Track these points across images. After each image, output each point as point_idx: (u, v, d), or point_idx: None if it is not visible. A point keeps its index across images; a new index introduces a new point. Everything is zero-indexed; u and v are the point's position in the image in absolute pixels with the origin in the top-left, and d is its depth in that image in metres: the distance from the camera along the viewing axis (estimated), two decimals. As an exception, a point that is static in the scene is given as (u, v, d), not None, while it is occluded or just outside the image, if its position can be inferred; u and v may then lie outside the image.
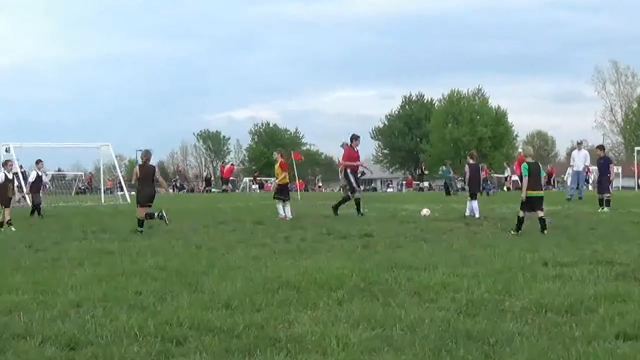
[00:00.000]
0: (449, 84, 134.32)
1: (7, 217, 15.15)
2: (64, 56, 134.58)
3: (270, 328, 5.33)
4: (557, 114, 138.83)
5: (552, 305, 5.91)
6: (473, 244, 10.56)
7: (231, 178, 49.84)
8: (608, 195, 18.90)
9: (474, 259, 8.84)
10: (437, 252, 9.72)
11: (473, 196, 16.81)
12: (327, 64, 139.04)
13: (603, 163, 19.80)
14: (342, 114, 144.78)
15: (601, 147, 21.41)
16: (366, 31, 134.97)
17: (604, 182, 19.31)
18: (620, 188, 50.49)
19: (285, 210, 16.94)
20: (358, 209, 17.55)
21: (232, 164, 62.55)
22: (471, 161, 17.50)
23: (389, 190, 66.70)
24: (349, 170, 17.84)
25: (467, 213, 16.60)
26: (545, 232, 11.85)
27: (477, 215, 16.23)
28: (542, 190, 12.47)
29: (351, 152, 18.17)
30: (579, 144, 26.82)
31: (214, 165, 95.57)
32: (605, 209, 18.31)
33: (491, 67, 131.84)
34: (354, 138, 18.37)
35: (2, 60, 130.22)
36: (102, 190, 33.00)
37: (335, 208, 17.89)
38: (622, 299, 6.14)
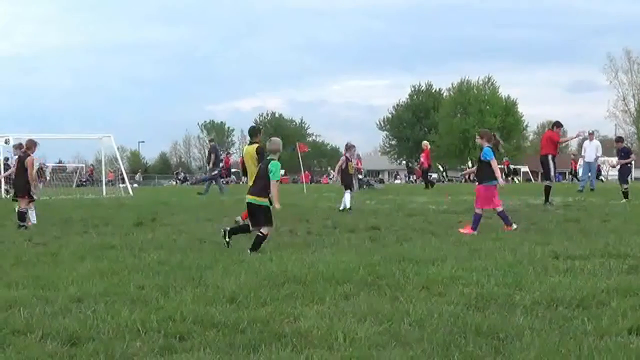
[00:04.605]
0: (460, 73, 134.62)
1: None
2: (65, 43, 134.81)
3: (276, 323, 5.26)
4: (569, 103, 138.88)
5: (563, 299, 5.81)
6: (482, 237, 10.44)
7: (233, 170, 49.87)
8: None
9: (484, 252, 8.73)
10: (445, 245, 9.62)
11: (347, 187, 17.14)
12: (337, 53, 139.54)
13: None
14: (352, 103, 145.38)
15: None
16: (378, 19, 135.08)
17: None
18: (632, 179, 50.18)
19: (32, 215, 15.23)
20: (546, 198, 17.48)
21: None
22: (347, 154, 17.65)
23: (396, 181, 66.66)
24: (550, 156, 17.80)
25: (342, 206, 16.77)
26: None
27: (341, 207, 16.60)
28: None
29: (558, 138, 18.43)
30: (591, 134, 26.59)
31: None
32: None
33: (502, 56, 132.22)
34: (557, 125, 18.53)
35: (2, 46, 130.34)
36: (104, 183, 32.92)
37: (546, 199, 17.70)
38: (635, 293, 6.03)
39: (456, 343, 4.63)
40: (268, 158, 9.83)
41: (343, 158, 17.60)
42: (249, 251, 9.26)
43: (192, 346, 4.73)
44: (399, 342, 4.71)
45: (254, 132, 11.96)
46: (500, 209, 11.69)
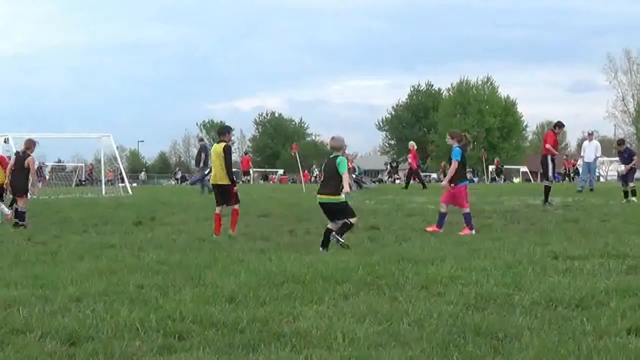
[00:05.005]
0: (460, 73, 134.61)
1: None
2: (65, 43, 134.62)
3: (275, 322, 5.26)
4: (568, 103, 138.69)
5: (562, 299, 5.81)
6: (482, 237, 10.44)
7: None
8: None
9: (483, 252, 8.73)
10: (445, 245, 9.61)
11: None
12: (337, 53, 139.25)
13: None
14: (352, 103, 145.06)
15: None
16: (378, 19, 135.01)
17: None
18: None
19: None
20: (546, 198, 17.40)
21: (247, 154, 61.65)
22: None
23: (396, 182, 66.53)
24: (549, 157, 17.72)
25: None
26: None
27: None
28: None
29: (556, 139, 18.25)
30: (590, 134, 26.59)
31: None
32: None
33: (502, 56, 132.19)
34: (559, 125, 18.38)
35: (2, 46, 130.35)
36: (103, 182, 32.90)
37: (546, 199, 17.57)
38: (634, 293, 6.03)
39: (455, 343, 4.63)
40: (332, 156, 9.72)
41: None
42: (334, 235, 9.32)
43: (191, 345, 4.73)
44: (398, 342, 4.71)
45: (222, 130, 12.01)
46: (443, 210, 11.69)
